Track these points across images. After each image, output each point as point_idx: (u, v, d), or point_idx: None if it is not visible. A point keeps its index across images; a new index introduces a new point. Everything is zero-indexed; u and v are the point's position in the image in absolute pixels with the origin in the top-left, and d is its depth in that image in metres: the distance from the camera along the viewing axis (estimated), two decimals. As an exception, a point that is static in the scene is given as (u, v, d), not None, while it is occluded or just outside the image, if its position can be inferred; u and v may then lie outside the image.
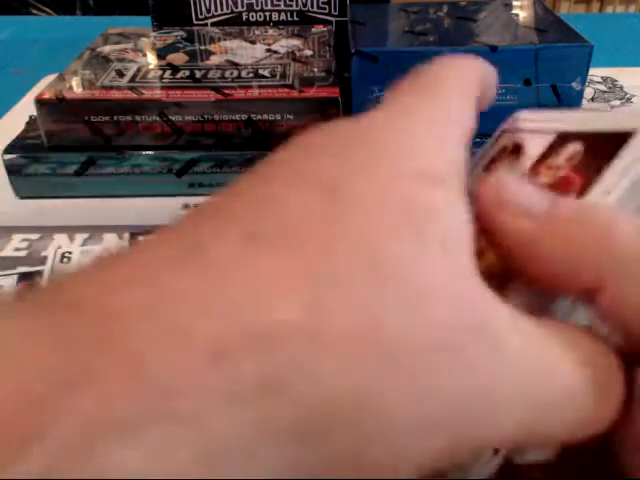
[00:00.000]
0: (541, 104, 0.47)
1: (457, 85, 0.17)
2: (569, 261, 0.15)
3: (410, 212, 0.13)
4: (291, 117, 0.45)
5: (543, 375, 0.14)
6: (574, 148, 0.18)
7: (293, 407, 0.12)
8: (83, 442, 0.10)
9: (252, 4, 0.61)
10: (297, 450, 0.12)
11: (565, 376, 0.14)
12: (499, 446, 0.15)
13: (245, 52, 0.54)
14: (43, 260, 0.41)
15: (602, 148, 0.17)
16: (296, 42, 0.56)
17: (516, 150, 0.20)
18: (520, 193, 0.16)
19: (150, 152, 0.47)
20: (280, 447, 0.12)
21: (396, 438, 0.13)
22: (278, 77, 0.48)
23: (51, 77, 0.50)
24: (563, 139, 0.19)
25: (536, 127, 0.20)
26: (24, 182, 0.48)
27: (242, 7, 0.61)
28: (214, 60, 0.52)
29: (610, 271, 0.15)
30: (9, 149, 0.47)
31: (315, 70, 0.49)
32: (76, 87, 0.47)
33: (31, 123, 0.52)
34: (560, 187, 0.17)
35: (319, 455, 0.12)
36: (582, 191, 0.17)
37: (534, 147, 0.19)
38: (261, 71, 0.49)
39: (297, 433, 0.12)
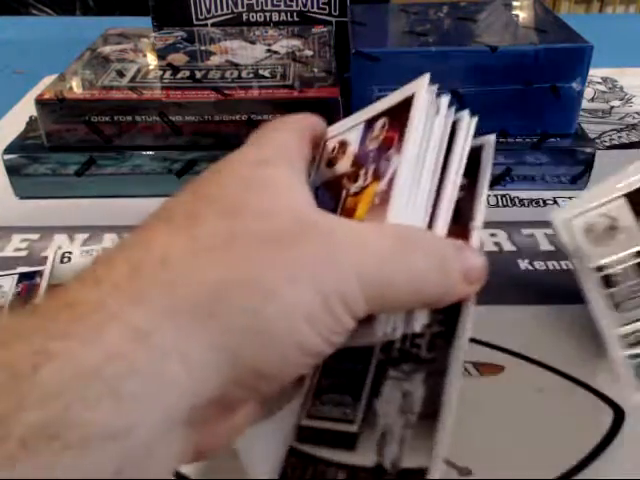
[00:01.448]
0: (541, 104, 0.47)
1: (292, 127, 0.26)
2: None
3: (250, 181, 0.22)
4: (291, 117, 0.45)
5: (364, 249, 0.21)
6: (381, 122, 0.26)
7: (193, 292, 0.18)
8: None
9: (252, 4, 0.61)
10: (208, 324, 0.18)
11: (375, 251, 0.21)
12: (361, 306, 0.20)
13: (245, 52, 0.54)
14: (43, 260, 0.41)
15: (399, 112, 0.25)
16: (296, 42, 0.56)
17: (342, 145, 0.27)
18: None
19: (150, 152, 0.47)
20: (196, 324, 0.18)
21: (275, 296, 0.19)
22: (278, 77, 0.48)
23: (51, 77, 0.50)
24: (370, 122, 0.27)
25: (347, 127, 0.28)
26: (24, 182, 0.48)
27: (242, 7, 0.61)
28: (214, 60, 0.52)
29: None
30: (9, 149, 0.47)
31: (315, 70, 0.49)
32: (76, 87, 0.47)
33: (31, 123, 0.52)
34: (386, 144, 0.25)
35: (228, 325, 0.18)
36: (401, 138, 0.24)
37: (354, 137, 0.27)
38: (261, 71, 0.49)
39: (204, 312, 0.18)
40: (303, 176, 0.23)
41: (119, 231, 0.44)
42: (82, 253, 0.42)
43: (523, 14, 0.56)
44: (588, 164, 0.47)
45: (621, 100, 0.63)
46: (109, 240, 0.43)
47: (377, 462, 0.22)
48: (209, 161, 0.46)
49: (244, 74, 0.49)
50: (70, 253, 0.42)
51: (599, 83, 0.66)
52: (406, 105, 0.25)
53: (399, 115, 0.25)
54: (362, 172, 0.26)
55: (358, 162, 0.26)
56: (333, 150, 0.28)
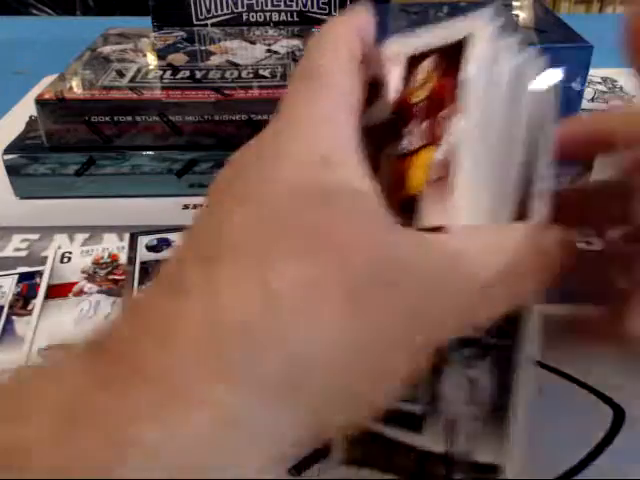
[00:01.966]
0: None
1: (336, 65, 0.20)
2: None
3: (318, 197, 0.17)
4: (291, 117, 0.45)
5: (445, 265, 0.18)
6: (429, 62, 0.21)
7: (279, 363, 0.16)
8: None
9: (252, 4, 0.61)
10: (296, 399, 0.16)
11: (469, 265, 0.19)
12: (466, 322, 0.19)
13: (245, 52, 0.54)
14: (43, 260, 0.41)
15: (454, 54, 0.20)
16: (296, 42, 0.56)
17: (376, 84, 0.22)
18: None
19: (150, 152, 0.47)
20: (284, 400, 0.16)
21: (366, 361, 0.17)
22: (278, 77, 0.48)
23: (51, 77, 0.50)
24: (414, 60, 0.22)
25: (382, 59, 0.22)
26: (24, 182, 0.48)
27: (242, 7, 0.61)
28: (214, 60, 0.52)
29: None
30: (9, 149, 0.47)
31: (315, 70, 0.49)
32: (76, 87, 0.47)
33: (31, 123, 0.52)
34: (438, 95, 0.20)
35: (318, 396, 0.16)
36: (457, 92, 0.19)
37: (392, 75, 0.22)
38: (261, 71, 0.49)
39: (292, 386, 0.16)
40: (367, 166, 0.19)
41: (119, 231, 0.44)
42: (82, 253, 0.42)
43: (523, 14, 0.56)
44: (588, 164, 0.47)
45: (621, 100, 0.63)
46: (109, 240, 0.43)
47: (446, 450, 0.21)
48: (209, 161, 0.46)
49: (244, 74, 0.49)
50: (70, 253, 0.42)
51: (599, 83, 0.66)
52: (456, 48, 0.20)
53: (454, 59, 0.20)
54: (406, 129, 0.21)
55: (400, 112, 0.21)
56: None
